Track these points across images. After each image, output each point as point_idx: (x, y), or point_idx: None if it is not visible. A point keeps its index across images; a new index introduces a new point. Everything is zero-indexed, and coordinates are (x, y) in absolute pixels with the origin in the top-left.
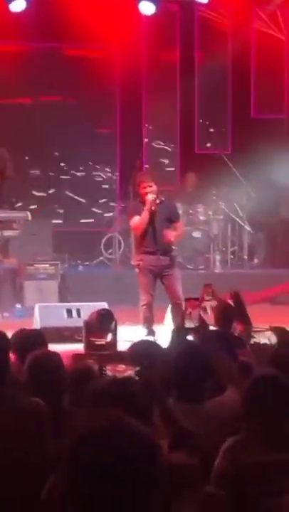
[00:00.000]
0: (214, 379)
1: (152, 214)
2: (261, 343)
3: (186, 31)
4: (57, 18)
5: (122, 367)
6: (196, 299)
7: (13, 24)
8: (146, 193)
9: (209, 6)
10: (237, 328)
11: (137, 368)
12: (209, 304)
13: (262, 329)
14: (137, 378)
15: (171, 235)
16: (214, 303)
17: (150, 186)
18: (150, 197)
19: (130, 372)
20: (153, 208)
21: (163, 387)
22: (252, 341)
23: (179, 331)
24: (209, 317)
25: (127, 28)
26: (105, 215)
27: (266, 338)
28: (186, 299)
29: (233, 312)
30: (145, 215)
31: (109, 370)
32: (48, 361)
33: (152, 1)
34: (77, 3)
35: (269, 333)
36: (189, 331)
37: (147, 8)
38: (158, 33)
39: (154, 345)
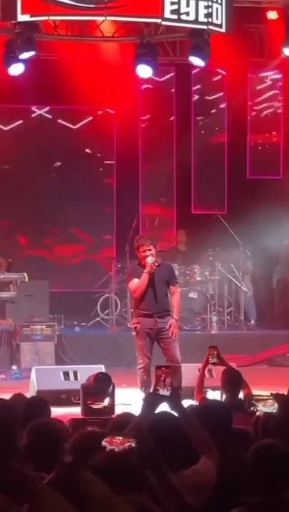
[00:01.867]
0: (187, 449)
1: (151, 277)
2: (262, 412)
3: (183, 93)
4: (55, 80)
5: (119, 439)
6: (167, 367)
7: (12, 87)
8: (146, 257)
9: (206, 68)
10: (244, 393)
11: (132, 440)
12: (213, 367)
13: (264, 397)
14: (134, 451)
15: (175, 327)
16: (219, 365)
17: (149, 250)
18: (150, 260)
19: (128, 444)
20: (152, 271)
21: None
22: (253, 409)
23: (151, 399)
24: (214, 380)
25: (125, 90)
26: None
27: (267, 406)
28: (158, 367)
29: (240, 377)
30: (144, 278)
31: (106, 442)
32: (48, 431)
33: (149, 64)
34: (75, 66)
35: (271, 402)
36: (163, 398)
37: (144, 72)
38: (155, 95)
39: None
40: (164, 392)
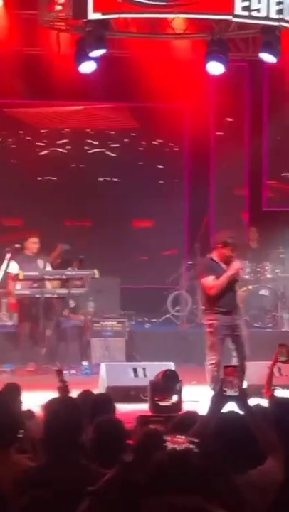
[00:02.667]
0: (255, 449)
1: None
2: None
3: (255, 88)
4: (126, 78)
5: (181, 438)
6: (235, 367)
7: (84, 85)
8: (230, 257)
9: (278, 65)
10: None
11: (196, 440)
12: (283, 365)
13: None
14: (196, 450)
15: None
16: (288, 364)
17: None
18: (238, 265)
19: (189, 443)
20: (239, 276)
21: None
22: None
23: (218, 399)
24: (283, 378)
25: (196, 88)
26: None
27: None
28: (226, 366)
29: None
30: (226, 280)
31: (168, 441)
32: (112, 429)
33: (220, 61)
34: (147, 63)
35: None
36: (229, 399)
37: (215, 69)
38: (227, 90)
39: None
40: (232, 392)
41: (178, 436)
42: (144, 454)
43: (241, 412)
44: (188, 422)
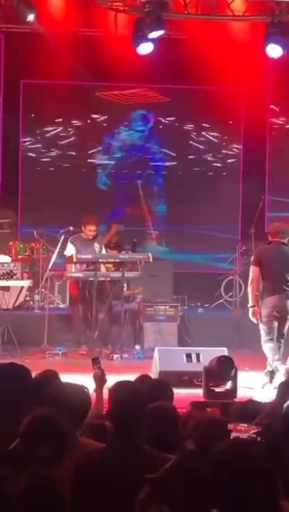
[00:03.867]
0: None
1: None
2: None
3: None
4: (184, 60)
5: (243, 426)
6: None
7: (141, 66)
8: None
9: None
10: None
11: (258, 429)
12: None
13: None
14: (259, 439)
15: None
16: None
17: None
18: None
19: (252, 431)
20: None
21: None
22: None
23: (286, 387)
24: None
25: (254, 70)
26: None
27: None
28: None
29: None
30: None
31: (231, 429)
32: (166, 416)
33: (279, 43)
34: (205, 45)
35: None
36: None
37: (274, 51)
38: (285, 74)
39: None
40: None
41: (241, 425)
42: (206, 442)
43: None
44: (251, 411)
